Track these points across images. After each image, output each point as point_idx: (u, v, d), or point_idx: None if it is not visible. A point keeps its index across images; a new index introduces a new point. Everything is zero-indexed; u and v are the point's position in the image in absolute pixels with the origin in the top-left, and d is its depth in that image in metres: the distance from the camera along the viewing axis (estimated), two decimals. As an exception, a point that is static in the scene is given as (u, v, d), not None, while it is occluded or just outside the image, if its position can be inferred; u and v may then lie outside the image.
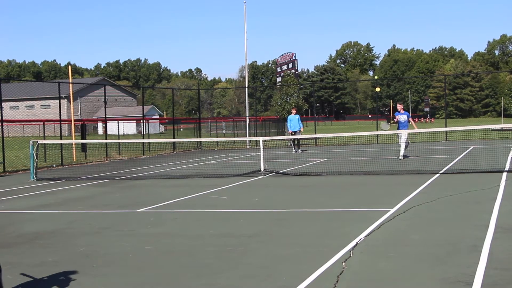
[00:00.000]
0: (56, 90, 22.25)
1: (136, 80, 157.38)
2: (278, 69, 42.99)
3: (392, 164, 16.45)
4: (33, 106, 74.87)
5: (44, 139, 23.08)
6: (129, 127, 56.03)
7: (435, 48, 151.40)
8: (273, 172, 15.36)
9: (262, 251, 6.52)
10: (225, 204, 10.46)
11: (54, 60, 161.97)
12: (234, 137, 40.29)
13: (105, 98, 26.34)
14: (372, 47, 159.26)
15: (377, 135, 27.70)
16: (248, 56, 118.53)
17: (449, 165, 15.90)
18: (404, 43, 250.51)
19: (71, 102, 24.92)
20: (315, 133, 32.15)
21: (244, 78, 48.35)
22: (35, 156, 16.18)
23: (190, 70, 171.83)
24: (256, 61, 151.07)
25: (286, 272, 5.56)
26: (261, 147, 16.08)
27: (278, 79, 42.85)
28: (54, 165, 21.05)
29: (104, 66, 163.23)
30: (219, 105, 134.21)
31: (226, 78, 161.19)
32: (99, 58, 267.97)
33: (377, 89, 46.80)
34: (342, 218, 8.47)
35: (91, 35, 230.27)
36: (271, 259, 6.11)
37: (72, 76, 28.99)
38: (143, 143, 27.70)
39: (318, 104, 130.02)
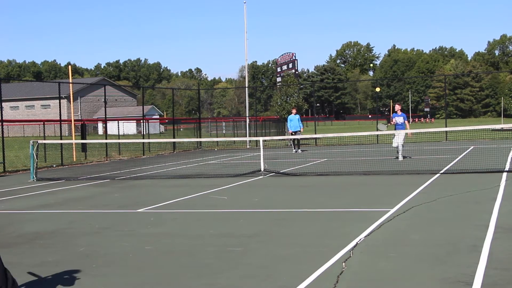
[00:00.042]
0: (56, 90, 22.25)
1: (136, 80, 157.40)
2: (278, 69, 42.98)
3: (392, 164, 16.45)
4: (33, 106, 74.90)
5: (44, 139, 23.08)
6: (129, 127, 56.03)
7: (435, 48, 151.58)
8: (273, 172, 15.36)
9: (262, 251, 6.52)
10: (225, 204, 10.46)
11: (54, 60, 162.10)
12: (234, 137, 40.31)
13: (105, 98, 26.34)
14: (372, 47, 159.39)
15: (377, 135, 27.71)
16: (248, 56, 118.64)
17: (449, 165, 15.90)
18: (404, 43, 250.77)
19: (71, 102, 24.93)
20: (315, 133, 32.16)
21: (244, 78, 48.35)
22: (35, 156, 16.18)
23: (190, 70, 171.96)
24: (256, 61, 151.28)
25: (286, 272, 5.56)
26: (261, 147, 16.08)
27: (278, 79, 42.84)
28: (54, 165, 21.05)
29: (104, 66, 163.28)
30: (219, 105, 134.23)
31: (226, 78, 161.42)
32: (99, 58, 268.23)
33: (377, 89, 46.75)
34: (342, 218, 8.47)
35: (91, 35, 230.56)
36: (271, 259, 6.11)
37: (72, 76, 29.00)
38: (143, 143, 27.70)
39: (318, 104, 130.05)
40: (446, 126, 30.82)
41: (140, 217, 9.34)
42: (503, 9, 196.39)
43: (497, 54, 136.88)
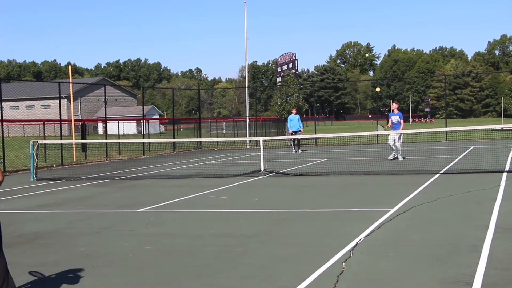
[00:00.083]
0: (56, 90, 22.25)
1: (136, 80, 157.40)
2: (278, 69, 42.99)
3: (392, 164, 16.45)
4: (33, 106, 74.91)
5: (44, 139, 23.09)
6: (129, 127, 56.02)
7: (435, 48, 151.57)
8: (273, 172, 15.36)
9: (262, 251, 6.52)
10: (225, 204, 10.46)
11: (54, 60, 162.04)
12: (234, 137, 40.31)
13: (105, 98, 26.35)
14: (372, 47, 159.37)
15: (377, 135, 27.70)
16: (248, 56, 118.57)
17: (449, 165, 15.90)
18: (404, 43, 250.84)
19: (71, 102, 24.96)
20: (315, 133, 32.16)
21: (244, 78, 48.36)
22: (35, 156, 16.19)
23: (190, 70, 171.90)
24: (256, 61, 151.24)
25: (286, 272, 5.56)
26: (261, 147, 16.08)
27: (278, 79, 42.85)
28: (54, 165, 21.05)
29: (104, 66, 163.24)
30: (219, 105, 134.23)
31: (226, 78, 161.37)
32: (99, 58, 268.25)
33: (377, 89, 46.72)
34: (342, 218, 8.47)
35: (91, 35, 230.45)
36: (271, 259, 6.11)
37: (72, 76, 29.00)
38: (143, 143, 27.70)
39: (318, 104, 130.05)
40: (446, 126, 30.81)
41: (140, 217, 9.34)
42: (503, 9, 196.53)
43: (497, 54, 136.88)
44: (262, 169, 15.37)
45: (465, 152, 20.39)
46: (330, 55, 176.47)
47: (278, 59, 43.78)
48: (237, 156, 23.61)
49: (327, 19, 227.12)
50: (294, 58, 40.67)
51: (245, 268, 5.79)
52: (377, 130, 19.67)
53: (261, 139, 16.98)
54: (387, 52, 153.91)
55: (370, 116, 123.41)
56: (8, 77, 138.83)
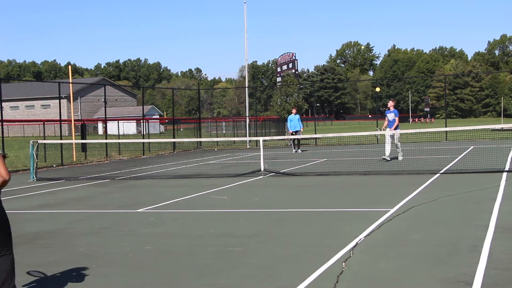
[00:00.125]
0: (56, 90, 22.26)
1: (136, 80, 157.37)
2: (278, 69, 42.99)
3: (392, 164, 16.45)
4: (33, 106, 74.89)
5: (44, 139, 23.09)
6: (129, 127, 56.02)
7: (435, 48, 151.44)
8: (273, 172, 15.37)
9: (262, 251, 6.52)
10: (225, 204, 10.47)
11: (54, 60, 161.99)
12: (234, 137, 40.29)
13: (105, 98, 26.35)
14: (372, 47, 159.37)
15: (377, 135, 27.69)
16: (248, 56, 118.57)
17: (449, 165, 15.91)
18: (404, 43, 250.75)
19: (71, 102, 24.95)
20: (315, 133, 32.16)
21: (244, 78, 48.36)
22: (35, 156, 16.18)
23: (190, 70, 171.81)
24: (256, 61, 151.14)
25: (286, 272, 5.56)
26: (261, 147, 16.08)
27: (278, 79, 42.86)
28: (54, 165, 21.05)
29: (104, 66, 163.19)
30: (219, 105, 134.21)
31: (226, 78, 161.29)
32: (99, 58, 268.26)
33: (377, 89, 46.78)
34: (342, 218, 8.47)
35: (91, 35, 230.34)
36: (271, 259, 6.11)
37: (72, 76, 29.01)
38: (143, 143, 27.70)
39: (318, 104, 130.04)
40: (446, 126, 30.82)
41: (140, 217, 9.34)
42: (503, 9, 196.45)
43: (497, 54, 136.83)
44: (262, 169, 15.38)
45: (465, 152, 20.39)
46: (330, 55, 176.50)
47: (278, 59, 43.79)
48: (237, 156, 23.61)
49: (327, 19, 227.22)
50: (294, 58, 40.68)
51: (245, 268, 5.79)
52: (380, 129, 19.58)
53: (261, 139, 16.98)
54: (387, 52, 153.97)
55: (370, 116, 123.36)
56: (8, 77, 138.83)
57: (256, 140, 24.96)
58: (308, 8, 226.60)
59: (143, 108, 31.75)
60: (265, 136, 36.48)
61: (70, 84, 25.22)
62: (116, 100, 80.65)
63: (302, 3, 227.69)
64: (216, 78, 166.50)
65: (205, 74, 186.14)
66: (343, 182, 13.12)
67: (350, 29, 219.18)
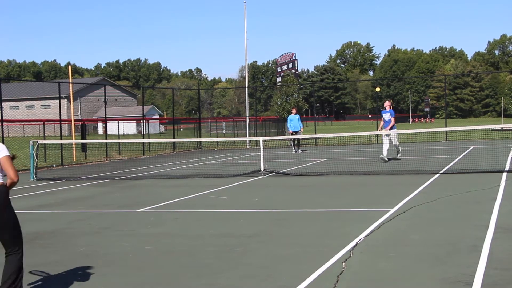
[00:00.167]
0: (56, 90, 22.26)
1: (136, 80, 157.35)
2: (278, 69, 43.00)
3: (392, 164, 16.45)
4: (33, 106, 74.89)
5: (44, 139, 23.08)
6: (129, 127, 56.02)
7: (435, 48, 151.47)
8: (273, 172, 15.37)
9: (262, 251, 6.52)
10: (225, 204, 10.47)
11: (54, 60, 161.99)
12: (234, 137, 40.30)
13: (105, 98, 26.35)
14: (372, 47, 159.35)
15: (376, 135, 27.69)
16: (248, 56, 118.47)
17: (449, 165, 15.91)
18: (404, 43, 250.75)
19: (71, 102, 24.94)
20: (315, 133, 32.16)
21: (244, 78, 48.37)
22: (35, 156, 16.18)
23: (190, 70, 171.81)
24: (256, 61, 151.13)
25: (286, 272, 5.56)
26: (261, 147, 16.08)
27: (278, 79, 42.86)
28: (54, 165, 21.05)
29: (104, 66, 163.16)
30: (219, 105, 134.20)
31: (226, 78, 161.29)
32: (99, 58, 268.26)
33: (377, 89, 46.77)
34: (342, 218, 8.47)
35: (91, 35, 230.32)
36: (271, 259, 6.11)
37: (72, 76, 29.01)
38: (143, 143, 27.70)
39: (318, 104, 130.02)
40: (446, 126, 30.81)
41: (140, 217, 9.34)
42: (503, 9, 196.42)
43: (497, 54, 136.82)
44: (262, 169, 15.38)
45: (465, 152, 20.39)
46: (330, 55, 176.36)
47: (278, 59, 43.79)
48: (237, 156, 23.61)
49: (327, 19, 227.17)
50: (294, 58, 40.68)
51: (245, 268, 5.79)
52: (370, 139, 19.52)
53: (261, 139, 16.98)
54: (387, 52, 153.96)
55: (370, 116, 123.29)
56: (8, 77, 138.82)
57: (256, 140, 24.96)
58: (308, 8, 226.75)
59: (143, 108, 31.76)
60: (265, 136, 36.49)
61: (70, 84, 25.22)
62: (116, 100, 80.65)
63: (302, 3, 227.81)
64: (216, 78, 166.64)
65: (205, 74, 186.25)
66: (343, 182, 13.12)
67: (350, 29, 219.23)
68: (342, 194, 11.36)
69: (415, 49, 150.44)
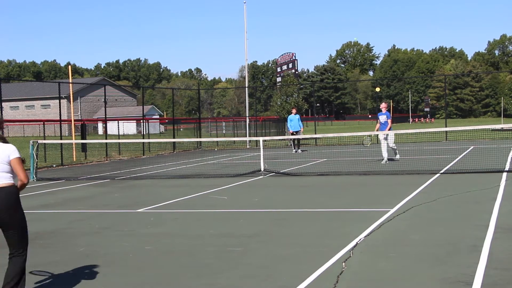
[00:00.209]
0: (56, 90, 22.26)
1: (136, 80, 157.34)
2: (278, 69, 43.00)
3: (392, 164, 16.45)
4: (33, 106, 74.88)
5: (44, 139, 23.09)
6: (129, 127, 56.02)
7: (435, 48, 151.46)
8: (273, 172, 15.37)
9: (262, 251, 6.52)
10: (225, 204, 10.47)
11: (54, 60, 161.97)
12: (234, 137, 40.30)
13: (105, 98, 26.34)
14: (372, 47, 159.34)
15: (377, 135, 27.67)
16: (248, 56, 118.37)
17: (449, 165, 15.91)
18: (404, 43, 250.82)
19: (71, 102, 24.95)
20: (315, 133, 32.16)
21: (244, 78, 48.37)
22: (35, 156, 16.18)
23: (190, 70, 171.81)
24: (256, 61, 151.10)
25: (286, 272, 5.56)
26: (261, 147, 16.08)
27: (278, 79, 42.86)
28: (54, 165, 21.05)
29: (104, 66, 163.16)
30: (219, 105, 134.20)
31: (226, 78, 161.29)
32: (99, 58, 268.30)
33: (377, 89, 46.82)
34: (342, 218, 8.47)
35: (91, 35, 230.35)
36: (271, 259, 6.11)
37: (72, 76, 29.00)
38: (143, 143, 27.70)
39: (318, 104, 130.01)
40: (446, 126, 30.81)
41: (140, 217, 9.34)
42: (503, 9, 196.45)
43: (497, 54, 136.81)
44: (262, 169, 15.38)
45: (465, 152, 20.39)
46: (330, 55, 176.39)
47: (278, 59, 43.79)
48: (237, 156, 23.61)
49: (327, 19, 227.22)
50: (294, 58, 40.68)
51: (245, 268, 5.79)
52: (364, 145, 19.37)
53: (261, 139, 16.98)
54: (387, 52, 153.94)
55: (370, 116, 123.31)
56: (8, 77, 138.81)
57: (256, 140, 24.96)
58: (308, 8, 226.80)
59: (143, 108, 31.75)
60: (265, 136, 36.49)
61: (70, 84, 25.22)
62: (116, 100, 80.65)
63: (302, 3, 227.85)
64: (216, 78, 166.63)
65: (205, 74, 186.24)
66: (343, 182, 13.12)
67: (350, 29, 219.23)
68: (342, 194, 11.36)
69: (415, 49, 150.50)
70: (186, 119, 78.02)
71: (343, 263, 5.75)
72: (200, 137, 34.61)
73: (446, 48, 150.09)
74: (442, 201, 9.62)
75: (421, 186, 11.48)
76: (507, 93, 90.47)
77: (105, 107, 26.12)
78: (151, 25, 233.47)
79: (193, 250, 6.68)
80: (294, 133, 24.53)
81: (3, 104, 20.28)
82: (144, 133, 32.56)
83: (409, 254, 6.09)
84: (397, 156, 17.40)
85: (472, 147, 22.98)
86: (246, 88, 37.57)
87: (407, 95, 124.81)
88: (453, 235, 6.94)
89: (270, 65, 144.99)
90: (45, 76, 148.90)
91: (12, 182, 4.74)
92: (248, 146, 31.47)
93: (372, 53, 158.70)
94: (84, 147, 23.71)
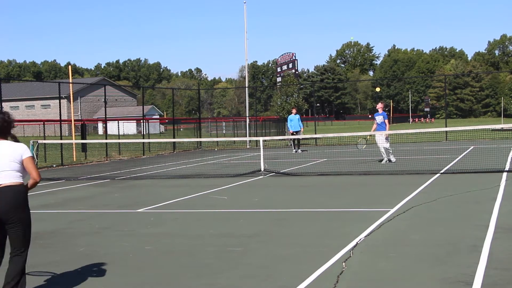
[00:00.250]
0: (56, 90, 22.26)
1: (136, 80, 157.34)
2: (278, 69, 42.99)
3: (392, 164, 16.45)
4: (33, 106, 74.90)
5: (44, 139, 23.10)
6: (129, 127, 56.03)
7: (435, 48, 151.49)
8: (273, 172, 15.37)
9: (262, 251, 6.52)
10: (225, 204, 10.47)
11: (54, 60, 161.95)
12: (234, 137, 40.30)
13: (105, 98, 26.35)
14: (372, 47, 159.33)
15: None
16: (248, 56, 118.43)
17: (449, 165, 15.91)
18: (404, 43, 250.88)
19: (71, 102, 24.97)
20: (315, 133, 32.16)
21: (244, 78, 48.38)
22: (35, 156, 16.18)
23: (190, 70, 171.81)
24: (256, 61, 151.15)
25: (286, 272, 5.56)
26: (261, 147, 16.08)
27: (278, 79, 42.85)
28: (54, 165, 21.05)
29: (104, 66, 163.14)
30: (219, 105, 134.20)
31: (226, 78, 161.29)
32: (99, 58, 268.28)
33: (377, 89, 46.84)
34: (342, 218, 8.47)
35: (91, 35, 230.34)
36: (271, 259, 6.11)
37: (72, 76, 29.01)
38: (143, 143, 27.70)
39: (318, 104, 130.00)
40: (446, 126, 30.80)
41: (140, 217, 9.34)
42: (503, 9, 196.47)
43: (497, 54, 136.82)
44: (262, 169, 15.38)
45: (465, 152, 20.39)
46: (330, 55, 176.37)
47: (278, 59, 43.78)
48: (237, 156, 23.61)
49: (327, 19, 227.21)
50: (294, 58, 40.67)
51: (245, 268, 5.79)
52: (357, 148, 19.27)
53: (261, 139, 16.98)
54: (387, 52, 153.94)
55: (370, 116, 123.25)
56: (8, 77, 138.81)
57: (256, 140, 24.96)
58: (308, 8, 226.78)
59: (143, 108, 31.75)
60: (265, 136, 36.49)
61: (70, 84, 25.23)
62: (116, 100, 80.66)
63: (302, 3, 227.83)
64: (216, 78, 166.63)
65: (205, 74, 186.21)
66: (343, 182, 13.12)
67: (350, 29, 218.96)
68: (342, 194, 11.36)
69: (415, 49, 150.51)
70: (186, 119, 78.03)
71: (343, 263, 5.75)
72: (200, 137, 34.61)
73: (446, 48, 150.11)
74: (442, 201, 9.62)
75: (421, 186, 11.48)
76: (507, 93, 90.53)
77: (105, 107, 26.12)
78: (151, 25, 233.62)
79: (193, 250, 6.68)
80: (294, 133, 24.53)
81: (3, 104, 20.26)
82: (144, 133, 32.56)
83: (409, 254, 6.09)
84: (393, 158, 17.13)
85: (472, 147, 22.99)
86: (246, 88, 37.57)
87: (407, 95, 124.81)
88: (453, 235, 6.94)
89: (270, 65, 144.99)
90: (45, 76, 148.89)
91: (22, 181, 4.79)
92: (248, 146, 31.47)
93: (372, 53, 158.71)
94: (84, 147, 23.72)
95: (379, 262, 5.79)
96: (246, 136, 35.06)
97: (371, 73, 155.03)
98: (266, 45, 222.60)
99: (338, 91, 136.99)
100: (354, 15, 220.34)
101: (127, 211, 10.03)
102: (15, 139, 4.92)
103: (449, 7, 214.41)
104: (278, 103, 39.97)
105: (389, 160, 17.11)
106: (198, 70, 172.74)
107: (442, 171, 14.16)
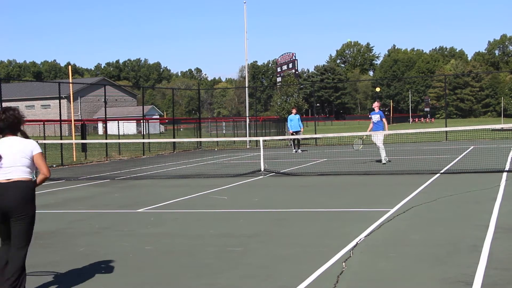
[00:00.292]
0: (56, 90, 22.26)
1: (136, 80, 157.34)
2: (278, 69, 43.02)
3: (392, 164, 16.44)
4: (33, 106, 74.87)
5: (44, 139, 23.10)
6: (129, 127, 56.03)
7: (435, 48, 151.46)
8: (273, 172, 15.37)
9: (262, 251, 6.52)
10: (225, 204, 10.47)
11: (54, 60, 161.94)
12: (234, 137, 40.30)
13: (105, 98, 26.35)
14: (372, 47, 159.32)
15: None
16: (248, 56, 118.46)
17: (449, 165, 15.91)
18: (404, 43, 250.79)
19: (71, 102, 24.98)
20: (315, 133, 32.15)
21: (244, 78, 48.39)
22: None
23: (190, 70, 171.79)
24: (256, 61, 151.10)
25: (286, 272, 5.56)
26: (261, 147, 16.09)
27: (278, 79, 42.88)
28: (54, 165, 21.05)
29: (104, 66, 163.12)
30: (219, 105, 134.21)
31: (226, 78, 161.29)
32: (99, 58, 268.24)
33: (377, 89, 46.84)
34: (342, 218, 8.47)
35: (91, 35, 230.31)
36: (271, 259, 6.11)
37: (72, 76, 29.01)
38: (143, 143, 27.70)
39: (318, 104, 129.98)
40: (446, 126, 30.80)
41: (140, 217, 9.34)
42: (503, 9, 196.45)
43: (497, 54, 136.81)
44: (262, 169, 15.38)
45: (465, 152, 20.39)
46: (330, 55, 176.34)
47: (278, 59, 43.81)
48: (237, 156, 23.62)
49: (327, 19, 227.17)
50: (294, 58, 40.70)
51: (245, 268, 5.79)
52: (354, 149, 19.09)
53: (261, 139, 16.98)
54: (387, 52, 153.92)
55: (370, 116, 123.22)
56: (8, 77, 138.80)
57: (256, 140, 24.97)
58: (308, 8, 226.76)
59: (143, 108, 31.76)
60: (265, 136, 36.49)
61: (70, 84, 25.24)
62: (116, 100, 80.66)
63: (302, 3, 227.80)
64: (216, 78, 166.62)
65: (205, 74, 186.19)
66: (343, 182, 13.12)
67: (350, 29, 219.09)
68: (342, 194, 11.36)
69: (415, 49, 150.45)
70: (186, 119, 78.04)
71: (343, 263, 5.75)
72: (200, 137, 34.60)
73: (446, 48, 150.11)
74: (442, 201, 9.62)
75: (421, 186, 11.48)
76: (507, 93, 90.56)
77: (105, 107, 26.12)
78: (151, 25, 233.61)
79: (193, 250, 6.68)
80: (294, 133, 24.53)
81: (3, 104, 20.24)
82: (144, 133, 32.57)
83: (409, 254, 6.09)
84: (387, 159, 16.83)
85: (472, 147, 22.99)
86: (246, 88, 37.58)
87: (407, 95, 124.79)
88: (453, 235, 6.94)
89: (270, 65, 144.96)
90: (45, 76, 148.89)
91: (31, 177, 4.85)
92: (248, 146, 31.47)
93: (372, 53, 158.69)
94: (84, 147, 23.72)
95: (379, 262, 5.79)
96: (246, 136, 35.06)
97: (371, 73, 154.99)
98: (266, 45, 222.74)
99: (338, 91, 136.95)
100: (354, 15, 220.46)
101: (127, 211, 10.03)
102: (25, 136, 4.95)
103: (449, 7, 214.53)
104: (278, 103, 40.00)
105: (380, 161, 16.86)
106: (198, 70, 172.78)
107: (442, 171, 14.16)
